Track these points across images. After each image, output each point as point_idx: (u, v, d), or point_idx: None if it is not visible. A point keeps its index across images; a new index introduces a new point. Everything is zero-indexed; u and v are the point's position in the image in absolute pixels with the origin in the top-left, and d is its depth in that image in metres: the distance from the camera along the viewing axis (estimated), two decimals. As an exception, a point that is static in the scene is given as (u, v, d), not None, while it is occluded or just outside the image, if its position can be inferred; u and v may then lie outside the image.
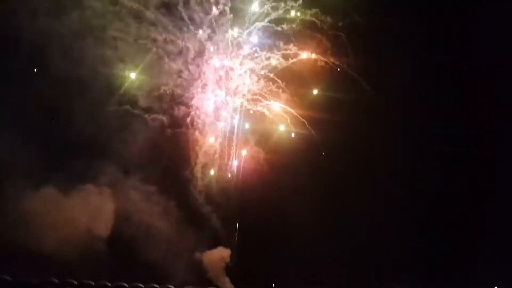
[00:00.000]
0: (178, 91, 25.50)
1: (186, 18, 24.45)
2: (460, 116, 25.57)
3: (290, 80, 25.58)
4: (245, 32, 25.03)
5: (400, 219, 24.89)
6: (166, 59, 25.09)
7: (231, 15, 24.80)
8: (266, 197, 25.74)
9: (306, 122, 25.57)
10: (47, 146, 23.56)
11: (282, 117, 25.92)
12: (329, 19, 24.43)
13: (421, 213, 25.46)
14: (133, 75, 24.78)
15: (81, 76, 23.56)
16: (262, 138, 26.27)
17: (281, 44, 25.03)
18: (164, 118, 25.47)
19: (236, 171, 26.38)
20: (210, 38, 25.13)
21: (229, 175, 26.31)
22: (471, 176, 25.60)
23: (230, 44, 25.18)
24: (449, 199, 25.54)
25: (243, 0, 24.75)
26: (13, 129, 22.68)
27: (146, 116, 25.21)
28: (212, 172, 26.17)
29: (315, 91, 25.68)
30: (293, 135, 25.94)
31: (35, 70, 23.14)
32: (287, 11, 24.60)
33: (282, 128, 26.01)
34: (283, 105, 25.61)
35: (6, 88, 22.87)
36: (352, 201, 25.60)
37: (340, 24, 24.59)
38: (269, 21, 24.66)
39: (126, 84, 24.70)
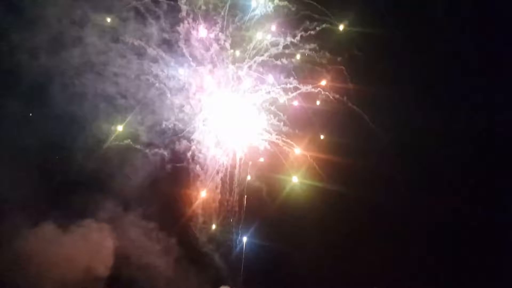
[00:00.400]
0: (180, 125, 25.33)
1: (187, 54, 24.60)
2: (465, 148, 24.98)
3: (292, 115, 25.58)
4: (245, 66, 25.07)
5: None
6: (168, 94, 25.10)
7: (232, 51, 24.98)
8: (271, 234, 25.27)
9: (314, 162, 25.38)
10: (46, 182, 23.34)
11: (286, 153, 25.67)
12: (327, 54, 24.60)
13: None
14: (134, 111, 24.59)
15: (81, 112, 23.64)
16: (265, 173, 25.86)
17: (281, 77, 24.99)
18: (165, 153, 25.25)
19: (239, 208, 25.87)
20: (211, 73, 25.19)
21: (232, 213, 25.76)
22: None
23: (231, 78, 25.23)
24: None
25: (243, 36, 24.79)
26: (12, 165, 22.54)
27: (147, 151, 24.96)
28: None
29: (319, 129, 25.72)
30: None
31: (35, 106, 22.94)
32: (286, 46, 24.75)
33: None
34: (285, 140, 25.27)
35: (4, 124, 22.79)
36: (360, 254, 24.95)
37: (339, 59, 24.72)
38: (269, 56, 24.72)
39: (127, 120, 24.47)
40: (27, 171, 22.94)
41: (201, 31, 24.34)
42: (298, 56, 24.64)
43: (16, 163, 22.77)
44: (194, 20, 24.36)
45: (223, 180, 25.90)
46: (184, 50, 24.47)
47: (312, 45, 24.48)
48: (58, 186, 23.70)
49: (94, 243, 24.26)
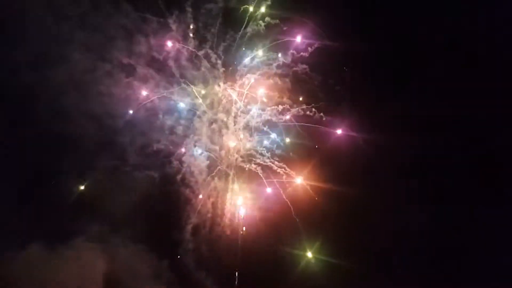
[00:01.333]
0: (170, 147, 24.49)
1: (177, 74, 23.80)
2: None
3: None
4: (237, 85, 24.01)
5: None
6: (160, 115, 24.35)
7: (223, 69, 24.02)
8: (265, 261, 23.95)
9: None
10: (34, 204, 22.99)
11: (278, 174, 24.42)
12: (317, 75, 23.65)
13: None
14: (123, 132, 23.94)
15: (70, 132, 23.03)
16: (257, 196, 24.63)
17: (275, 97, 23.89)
18: (156, 175, 24.41)
19: (231, 233, 24.70)
20: (202, 95, 24.31)
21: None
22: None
23: (222, 97, 24.27)
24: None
25: (234, 55, 23.86)
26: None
27: (137, 173, 24.20)
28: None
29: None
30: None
31: (21, 126, 22.58)
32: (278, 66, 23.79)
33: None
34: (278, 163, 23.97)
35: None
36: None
37: (331, 81, 23.73)
38: (260, 74, 23.59)
39: (116, 141, 23.83)
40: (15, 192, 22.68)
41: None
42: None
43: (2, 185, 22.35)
44: (184, 38, 23.47)
45: (214, 206, 24.71)
46: (174, 70, 23.47)
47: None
48: (45, 207, 23.17)
49: (83, 265, 23.43)
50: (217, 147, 24.89)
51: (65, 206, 23.64)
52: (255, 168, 24.33)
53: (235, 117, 24.53)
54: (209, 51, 23.70)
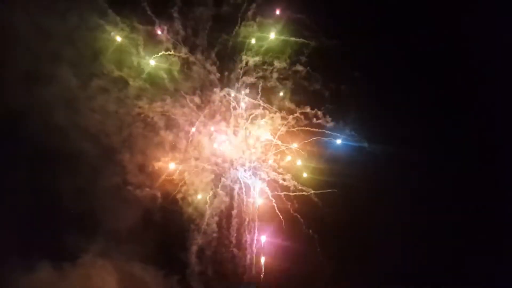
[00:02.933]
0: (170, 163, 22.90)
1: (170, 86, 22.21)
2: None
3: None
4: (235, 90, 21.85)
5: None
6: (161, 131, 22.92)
7: (219, 75, 21.96)
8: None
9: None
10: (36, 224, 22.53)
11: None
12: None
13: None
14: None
15: (69, 150, 22.20)
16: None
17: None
18: (158, 193, 22.96)
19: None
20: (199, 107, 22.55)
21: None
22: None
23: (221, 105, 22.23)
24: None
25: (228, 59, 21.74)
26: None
27: (138, 191, 22.89)
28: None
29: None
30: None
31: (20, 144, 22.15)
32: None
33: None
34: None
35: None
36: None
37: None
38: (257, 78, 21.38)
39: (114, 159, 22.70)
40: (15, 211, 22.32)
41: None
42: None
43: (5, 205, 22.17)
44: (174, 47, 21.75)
45: (219, 225, 22.68)
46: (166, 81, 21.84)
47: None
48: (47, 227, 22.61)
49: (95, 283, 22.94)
50: (219, 160, 22.82)
51: (67, 225, 22.82)
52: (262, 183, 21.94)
53: (235, 126, 22.28)
54: (201, 57, 21.69)
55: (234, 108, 22.18)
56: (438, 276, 22.14)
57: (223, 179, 22.99)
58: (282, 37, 21.56)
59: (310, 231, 22.30)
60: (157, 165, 22.90)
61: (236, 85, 22.11)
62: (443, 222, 22.09)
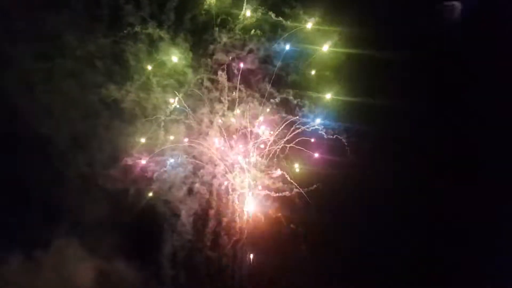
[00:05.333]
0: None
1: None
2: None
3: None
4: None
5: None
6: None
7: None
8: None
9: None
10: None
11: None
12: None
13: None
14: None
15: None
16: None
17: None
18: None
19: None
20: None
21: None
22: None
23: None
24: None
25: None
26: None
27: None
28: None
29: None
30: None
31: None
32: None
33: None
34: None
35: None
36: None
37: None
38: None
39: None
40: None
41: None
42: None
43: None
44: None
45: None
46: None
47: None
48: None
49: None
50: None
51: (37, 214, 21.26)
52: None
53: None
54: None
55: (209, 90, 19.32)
56: (426, 272, 21.12)
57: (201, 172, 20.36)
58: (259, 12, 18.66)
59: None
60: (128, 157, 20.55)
61: (209, 62, 19.12)
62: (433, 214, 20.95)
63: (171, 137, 20.30)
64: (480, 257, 20.73)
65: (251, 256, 20.53)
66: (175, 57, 19.42)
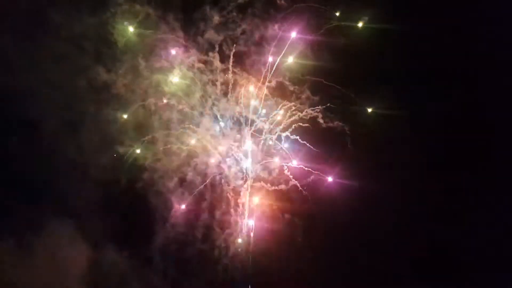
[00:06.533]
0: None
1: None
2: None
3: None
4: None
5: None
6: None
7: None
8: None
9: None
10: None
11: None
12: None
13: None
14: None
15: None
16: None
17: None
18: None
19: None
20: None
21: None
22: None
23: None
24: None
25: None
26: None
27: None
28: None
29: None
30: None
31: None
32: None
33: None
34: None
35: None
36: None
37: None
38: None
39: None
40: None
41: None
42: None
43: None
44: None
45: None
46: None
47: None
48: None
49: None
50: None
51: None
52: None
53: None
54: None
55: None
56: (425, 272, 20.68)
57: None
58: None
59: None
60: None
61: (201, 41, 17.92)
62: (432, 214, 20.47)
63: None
64: (480, 257, 20.27)
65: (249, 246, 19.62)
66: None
